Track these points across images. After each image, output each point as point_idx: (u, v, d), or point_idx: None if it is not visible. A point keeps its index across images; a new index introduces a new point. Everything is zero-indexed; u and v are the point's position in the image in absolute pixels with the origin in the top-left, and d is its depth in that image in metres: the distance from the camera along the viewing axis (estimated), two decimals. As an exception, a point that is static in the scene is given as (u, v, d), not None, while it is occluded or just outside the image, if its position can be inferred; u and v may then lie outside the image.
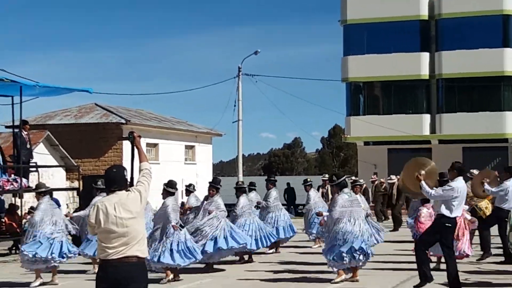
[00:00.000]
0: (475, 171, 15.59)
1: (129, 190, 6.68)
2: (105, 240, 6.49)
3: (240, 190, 15.93)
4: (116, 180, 6.70)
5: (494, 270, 13.48)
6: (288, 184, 34.56)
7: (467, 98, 39.83)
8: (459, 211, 11.12)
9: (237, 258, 15.48)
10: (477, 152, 38.05)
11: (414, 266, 13.09)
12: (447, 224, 10.85)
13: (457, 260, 11.34)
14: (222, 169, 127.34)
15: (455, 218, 10.96)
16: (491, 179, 14.61)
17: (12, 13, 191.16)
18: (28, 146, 18.33)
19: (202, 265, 14.24)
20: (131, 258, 6.44)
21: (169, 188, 13.04)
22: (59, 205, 14.76)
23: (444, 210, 10.83)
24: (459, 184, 10.89)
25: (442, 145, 39.08)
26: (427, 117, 40.21)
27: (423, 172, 11.45)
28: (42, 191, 13.37)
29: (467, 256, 13.27)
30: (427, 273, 10.87)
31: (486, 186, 14.20)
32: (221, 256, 14.28)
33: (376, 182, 27.76)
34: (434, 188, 11.12)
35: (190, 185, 16.36)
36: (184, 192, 16.61)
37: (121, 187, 6.69)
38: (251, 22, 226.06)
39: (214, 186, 14.40)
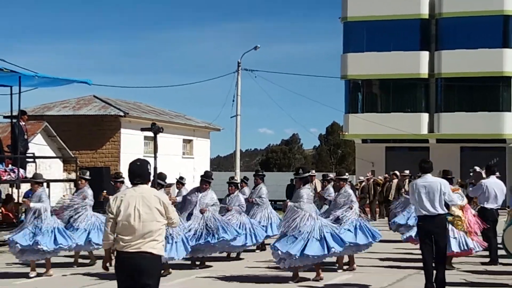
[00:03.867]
0: (477, 168, 15.55)
1: (153, 187, 6.79)
2: (122, 231, 6.58)
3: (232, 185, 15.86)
4: (139, 174, 6.77)
5: (490, 270, 13.47)
6: (292, 180, 34.51)
7: (465, 97, 39.81)
8: (431, 208, 10.91)
9: (225, 254, 15.49)
10: (475, 152, 38.08)
11: (411, 264, 13.08)
12: (419, 223, 11.10)
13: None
14: (219, 163, 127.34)
15: (424, 216, 10.88)
16: (476, 179, 14.63)
17: (12, 2, 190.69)
18: (25, 136, 18.31)
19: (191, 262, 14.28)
20: (144, 254, 6.51)
21: (159, 180, 13.05)
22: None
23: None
24: (418, 181, 11.03)
25: (440, 144, 39.09)
26: (425, 116, 40.21)
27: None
28: (39, 181, 13.36)
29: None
30: None
31: (469, 191, 14.20)
32: (213, 251, 14.16)
33: (371, 180, 27.79)
34: None
35: (181, 178, 16.36)
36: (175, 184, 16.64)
37: (144, 180, 6.77)
38: (252, 17, 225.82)
39: (206, 181, 14.39)
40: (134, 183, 6.76)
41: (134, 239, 6.51)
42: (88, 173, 14.59)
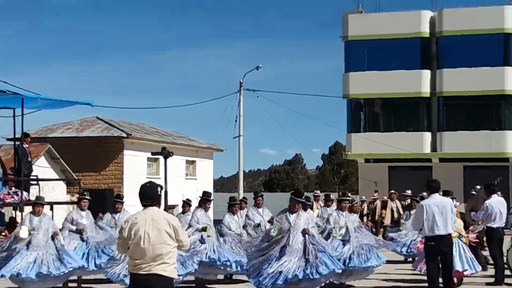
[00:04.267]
0: (479, 187, 15.54)
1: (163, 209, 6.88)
2: (133, 254, 6.67)
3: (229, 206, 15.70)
4: (150, 196, 6.83)
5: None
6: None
7: (468, 116, 39.82)
8: (442, 228, 10.90)
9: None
10: (478, 171, 37.99)
11: (412, 284, 13.05)
12: (428, 243, 10.95)
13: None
14: (222, 184, 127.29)
15: (435, 236, 10.86)
16: (479, 203, 14.59)
17: (14, 22, 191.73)
18: (29, 159, 18.32)
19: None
20: (155, 276, 6.59)
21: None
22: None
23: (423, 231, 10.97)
24: (428, 201, 10.97)
25: (443, 164, 39.03)
26: (428, 135, 40.21)
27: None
28: (42, 203, 13.38)
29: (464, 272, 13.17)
30: None
31: (473, 216, 14.15)
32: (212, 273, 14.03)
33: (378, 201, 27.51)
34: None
35: (188, 200, 16.33)
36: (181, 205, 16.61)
37: (154, 203, 6.81)
38: (254, 37, 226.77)
39: (208, 200, 14.48)
40: (144, 205, 6.83)
41: (145, 261, 6.58)
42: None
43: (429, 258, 10.99)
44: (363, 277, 13.34)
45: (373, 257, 12.92)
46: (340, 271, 11.64)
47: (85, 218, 14.21)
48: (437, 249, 10.80)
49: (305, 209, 12.15)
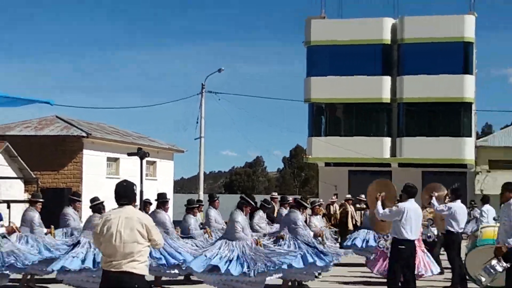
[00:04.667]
0: (436, 194, 15.67)
1: (137, 206, 6.98)
2: (105, 250, 6.79)
3: (190, 209, 15.76)
4: (125, 195, 6.94)
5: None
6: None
7: (427, 122, 40.33)
8: (414, 233, 11.12)
9: None
10: (437, 177, 38.30)
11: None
12: (400, 247, 10.94)
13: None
14: (183, 185, 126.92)
15: (409, 240, 10.99)
16: (440, 196, 14.80)
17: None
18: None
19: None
20: (127, 273, 6.70)
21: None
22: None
23: (396, 233, 11.00)
24: (408, 205, 11.00)
25: (402, 169, 39.43)
26: (387, 140, 40.62)
27: (383, 193, 11.69)
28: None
29: (422, 276, 13.42)
30: None
31: (433, 201, 14.31)
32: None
33: (336, 204, 27.68)
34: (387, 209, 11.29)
35: (147, 199, 16.31)
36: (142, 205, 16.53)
37: (130, 201, 6.95)
38: (216, 40, 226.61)
39: (165, 201, 14.53)
40: (120, 203, 6.91)
41: (116, 259, 6.69)
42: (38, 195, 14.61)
43: (395, 261, 11.02)
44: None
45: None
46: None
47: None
48: (408, 252, 10.91)
49: (264, 211, 12.26)
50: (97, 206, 13.52)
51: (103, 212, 14.33)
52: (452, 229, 13.84)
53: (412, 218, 10.90)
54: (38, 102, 18.39)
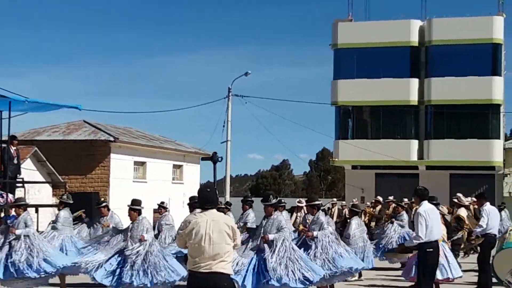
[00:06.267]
0: (461, 195, 15.52)
1: (222, 211, 7.21)
2: (194, 253, 7.05)
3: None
4: (211, 199, 7.30)
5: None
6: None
7: (455, 125, 40.03)
8: (436, 233, 10.90)
9: None
10: (464, 179, 38.17)
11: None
12: (428, 250, 10.80)
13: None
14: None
15: (435, 241, 10.84)
16: (471, 223, 14.62)
17: (1, 26, 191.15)
18: (15, 161, 18.27)
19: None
20: (216, 274, 6.99)
21: (134, 207, 13.06)
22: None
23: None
24: (425, 208, 10.85)
25: (430, 171, 39.18)
26: (415, 143, 40.35)
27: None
28: (23, 205, 13.26)
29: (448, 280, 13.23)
30: None
31: (477, 231, 13.99)
32: None
33: (336, 207, 27.18)
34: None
35: (163, 202, 16.53)
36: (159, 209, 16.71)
37: (214, 205, 7.28)
38: (243, 43, 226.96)
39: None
40: (205, 208, 7.21)
41: (204, 260, 6.96)
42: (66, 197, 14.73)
43: (430, 268, 10.88)
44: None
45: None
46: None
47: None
48: (437, 256, 10.83)
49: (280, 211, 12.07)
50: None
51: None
52: (491, 232, 13.68)
53: (434, 219, 10.79)
54: (66, 107, 18.53)
